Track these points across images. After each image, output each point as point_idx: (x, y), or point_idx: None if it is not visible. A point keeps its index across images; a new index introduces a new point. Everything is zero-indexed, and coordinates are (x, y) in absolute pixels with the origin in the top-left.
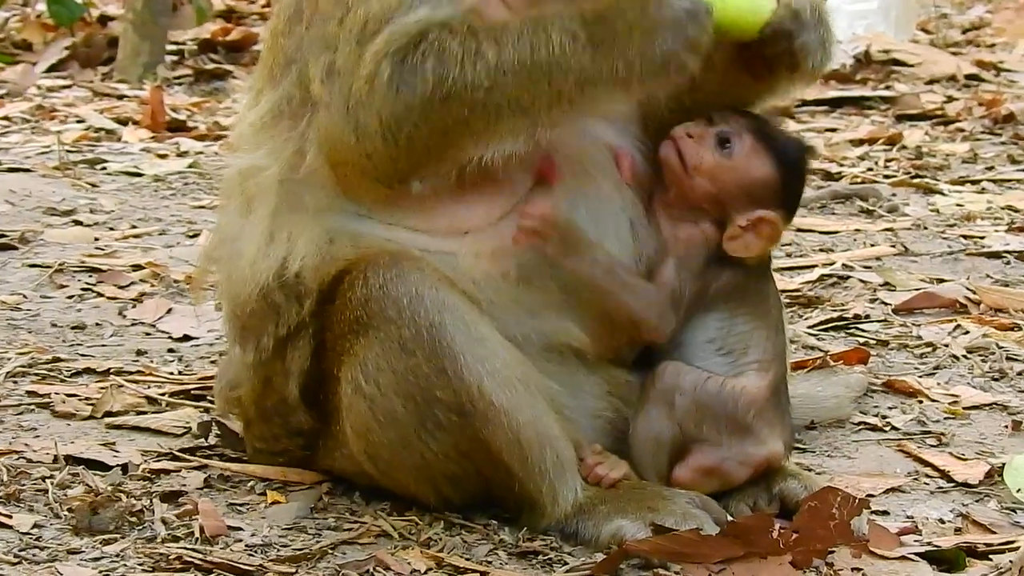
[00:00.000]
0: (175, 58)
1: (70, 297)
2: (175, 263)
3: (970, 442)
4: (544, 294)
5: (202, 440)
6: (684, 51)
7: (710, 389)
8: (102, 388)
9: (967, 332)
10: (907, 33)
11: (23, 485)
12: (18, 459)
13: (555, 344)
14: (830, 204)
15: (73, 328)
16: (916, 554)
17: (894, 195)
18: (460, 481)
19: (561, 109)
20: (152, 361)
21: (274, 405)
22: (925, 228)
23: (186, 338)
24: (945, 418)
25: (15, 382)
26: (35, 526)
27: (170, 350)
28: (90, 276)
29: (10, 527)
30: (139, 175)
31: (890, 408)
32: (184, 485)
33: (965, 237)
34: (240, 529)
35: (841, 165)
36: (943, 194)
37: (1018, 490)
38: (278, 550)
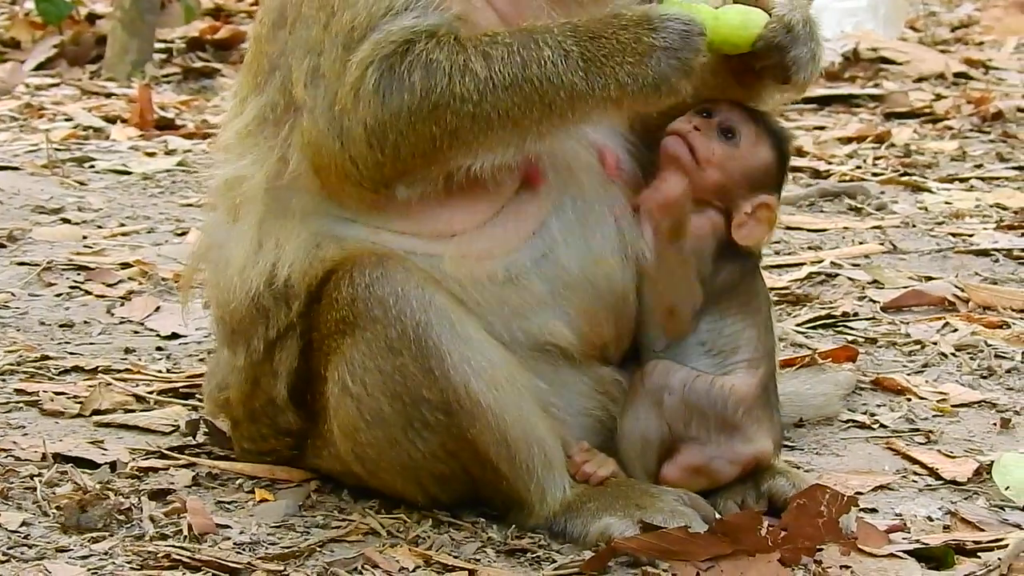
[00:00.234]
0: (163, 56)
1: (58, 295)
2: (163, 261)
3: (958, 440)
4: (530, 294)
5: (190, 438)
6: (677, 74)
7: (699, 388)
8: (90, 386)
9: (956, 330)
10: (896, 31)
11: (11, 483)
12: (6, 457)
13: (542, 343)
14: (819, 202)
15: (61, 326)
16: (904, 552)
17: (883, 193)
18: (447, 480)
19: (551, 123)
20: (140, 359)
21: (262, 406)
22: (913, 226)
23: (174, 336)
24: (934, 416)
25: (3, 380)
26: (23, 524)
27: (158, 348)
28: (78, 274)
29: None
30: (127, 173)
31: (879, 406)
32: (172, 483)
33: (953, 235)
34: (228, 527)
35: (830, 163)
36: (932, 192)
37: (1006, 488)
38: (266, 548)
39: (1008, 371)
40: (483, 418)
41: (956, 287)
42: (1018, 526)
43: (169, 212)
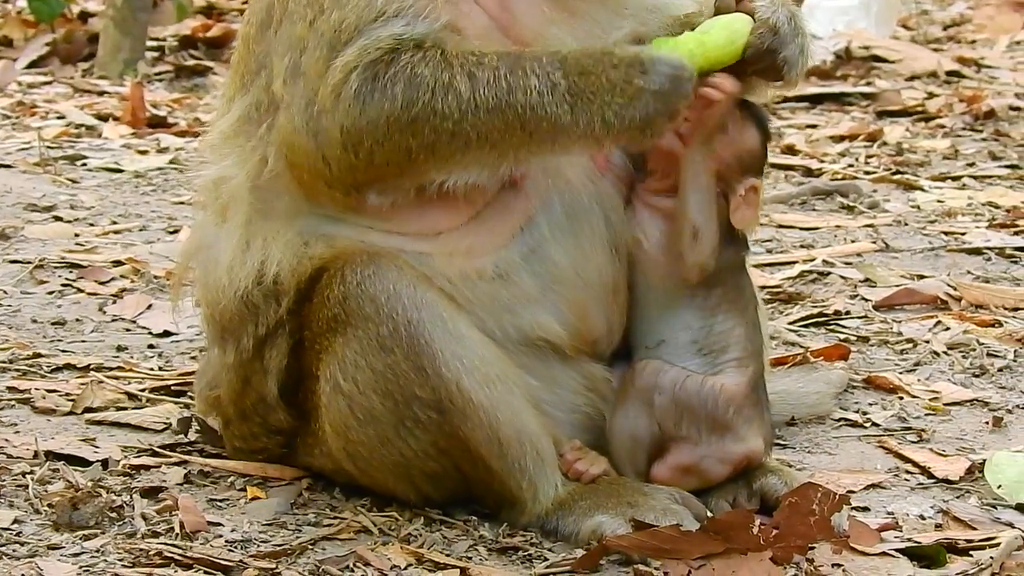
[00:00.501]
0: (155, 54)
1: (50, 293)
2: (155, 259)
3: (951, 438)
4: (520, 290)
5: (182, 436)
6: (663, 117)
7: (689, 387)
8: (82, 384)
9: (948, 328)
10: (888, 29)
11: (3, 481)
12: None
13: (533, 339)
14: (811, 200)
15: (53, 324)
16: (896, 550)
17: (875, 191)
18: (439, 478)
19: (530, 151)
20: (132, 357)
21: (253, 404)
22: (906, 224)
23: (166, 334)
24: (926, 414)
25: None
26: (15, 521)
27: (150, 346)
28: (70, 272)
29: None
30: (119, 171)
31: (871, 404)
32: (164, 481)
33: (946, 233)
34: (220, 525)
35: (822, 161)
36: (924, 190)
37: (999, 486)
38: (258, 546)
39: (1000, 370)
40: (475, 416)
41: (948, 285)
42: (1010, 525)
43: (161, 210)
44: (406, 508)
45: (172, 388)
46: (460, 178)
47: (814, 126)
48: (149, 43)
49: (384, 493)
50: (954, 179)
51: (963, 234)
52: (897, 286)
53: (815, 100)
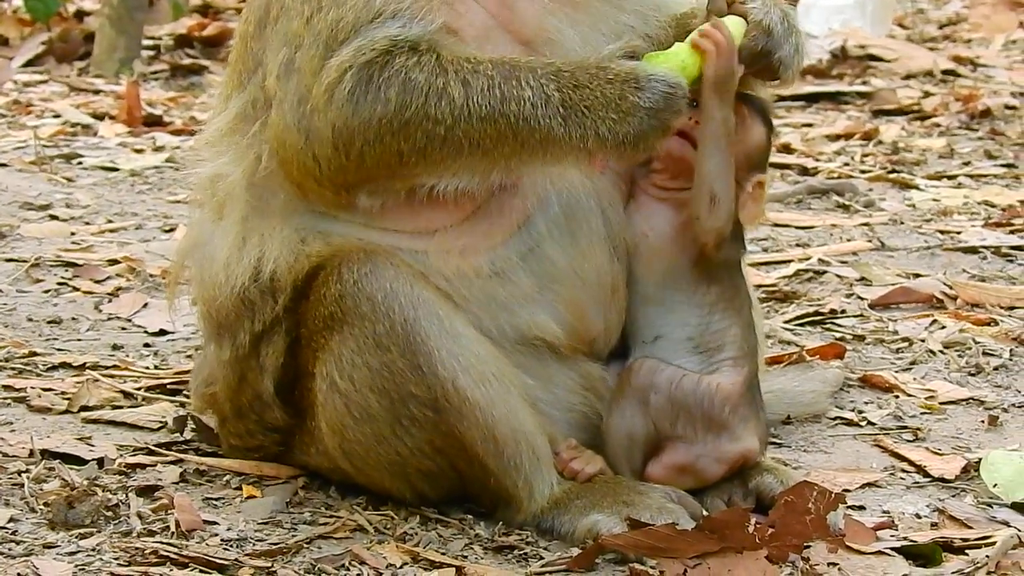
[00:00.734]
0: (151, 53)
1: (46, 291)
2: (151, 258)
3: (946, 437)
4: (517, 288)
5: (178, 434)
6: (656, 133)
7: (685, 386)
8: (78, 382)
9: (943, 327)
10: (884, 28)
11: None
12: None
13: (529, 338)
14: (806, 199)
15: (49, 322)
16: (892, 549)
17: (870, 190)
18: (435, 477)
19: (521, 160)
20: (128, 355)
21: (249, 402)
22: (901, 223)
23: (162, 332)
24: (921, 413)
25: None
26: (11, 520)
27: (146, 344)
28: (66, 271)
29: None
30: (115, 170)
31: (866, 403)
32: (160, 479)
33: (942, 232)
34: (216, 523)
35: (817, 160)
36: (919, 189)
37: (994, 485)
38: (254, 544)
39: (996, 368)
40: (471, 414)
41: (944, 284)
42: (1006, 523)
43: (157, 208)
44: (402, 507)
45: (168, 387)
46: (450, 183)
47: (810, 125)
48: (145, 42)
49: (380, 491)
50: (950, 178)
51: (959, 233)
52: (893, 285)
53: (811, 99)
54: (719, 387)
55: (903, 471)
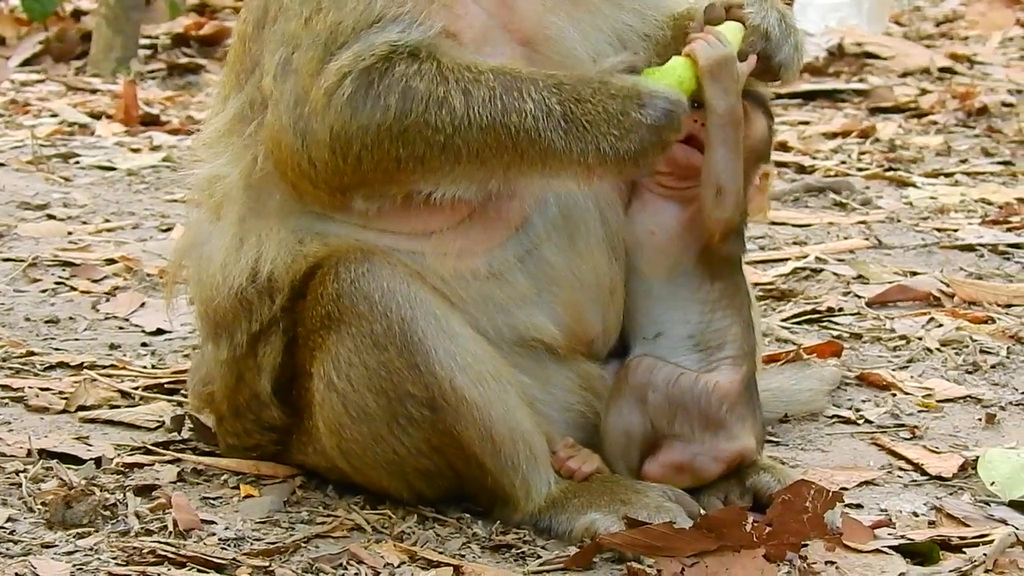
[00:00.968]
0: (148, 52)
1: (44, 291)
2: (148, 257)
3: (944, 435)
4: (515, 290)
5: (175, 434)
6: (656, 150)
7: (683, 385)
8: (76, 382)
9: (941, 325)
10: (880, 26)
11: None
12: None
13: (526, 338)
14: (803, 197)
15: (47, 322)
16: (890, 547)
17: (867, 188)
18: (432, 476)
19: (520, 171)
20: (125, 355)
21: (246, 401)
22: (898, 221)
23: (159, 332)
24: (919, 411)
25: None
26: (8, 520)
27: (143, 344)
28: (64, 270)
29: None
30: (112, 169)
31: (864, 401)
32: (157, 479)
33: (939, 230)
34: (213, 523)
35: (814, 158)
36: (916, 187)
37: (992, 483)
38: (251, 544)
39: (993, 366)
40: (468, 414)
41: (941, 282)
42: (1003, 521)
43: (154, 208)
44: (399, 506)
45: (165, 386)
46: (447, 191)
47: (807, 123)
48: (142, 41)
49: (377, 491)
50: (947, 175)
51: (956, 231)
52: (890, 283)
53: (808, 97)
54: (717, 386)
55: (900, 469)
